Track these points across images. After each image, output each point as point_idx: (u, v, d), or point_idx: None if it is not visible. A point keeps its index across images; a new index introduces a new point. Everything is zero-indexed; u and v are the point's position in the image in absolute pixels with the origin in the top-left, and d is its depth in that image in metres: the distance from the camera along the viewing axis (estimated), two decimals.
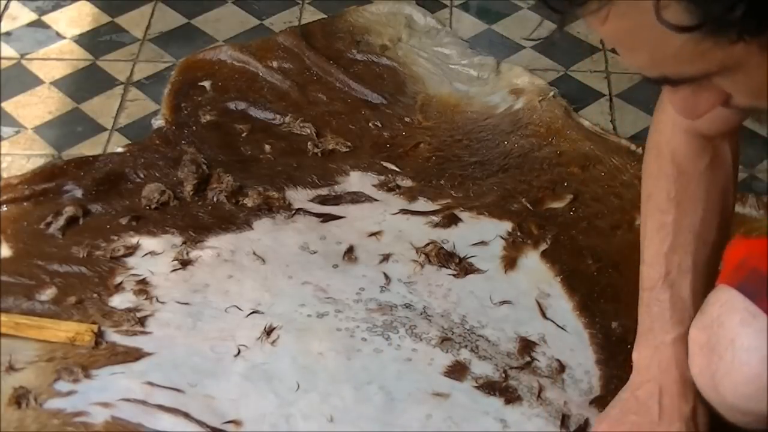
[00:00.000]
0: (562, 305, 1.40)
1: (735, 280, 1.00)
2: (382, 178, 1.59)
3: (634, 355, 1.16)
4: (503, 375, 1.31)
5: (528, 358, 1.33)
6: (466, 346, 1.34)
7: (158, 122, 1.69)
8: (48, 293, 1.41)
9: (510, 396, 1.28)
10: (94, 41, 1.88)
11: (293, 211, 1.54)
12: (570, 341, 1.36)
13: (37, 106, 1.74)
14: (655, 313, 1.12)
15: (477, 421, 1.26)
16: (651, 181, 1.14)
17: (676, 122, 1.10)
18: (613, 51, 1.83)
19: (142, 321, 1.37)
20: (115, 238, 1.49)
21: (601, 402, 1.26)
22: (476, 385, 1.30)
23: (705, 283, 1.10)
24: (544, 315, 1.39)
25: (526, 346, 1.34)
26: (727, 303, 1.00)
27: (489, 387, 1.29)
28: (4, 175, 1.60)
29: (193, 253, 1.47)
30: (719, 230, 1.11)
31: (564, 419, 1.26)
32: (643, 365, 1.14)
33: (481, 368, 1.31)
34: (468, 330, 1.36)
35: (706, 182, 1.11)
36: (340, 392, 1.29)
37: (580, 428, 1.25)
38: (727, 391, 1.01)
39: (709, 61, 0.68)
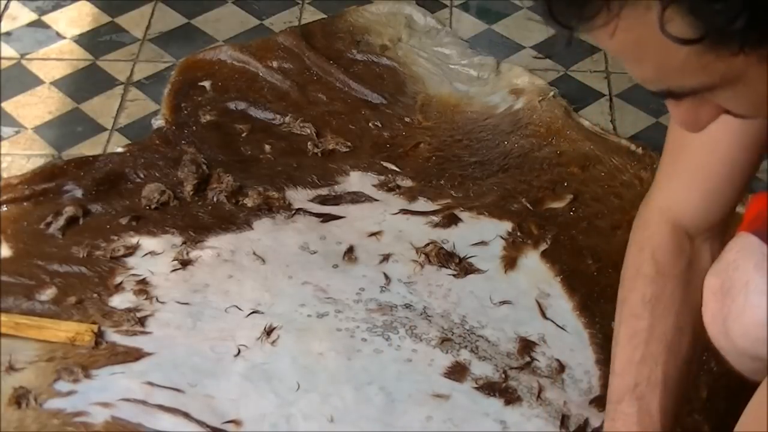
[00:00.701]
0: (562, 305, 1.40)
1: (753, 227, 1.01)
2: (382, 178, 1.59)
3: None
4: (503, 375, 1.31)
5: (528, 359, 1.33)
6: (466, 347, 1.34)
7: (158, 122, 1.69)
8: (48, 293, 1.41)
9: (510, 397, 1.28)
10: (94, 41, 1.88)
11: (293, 211, 1.54)
12: (570, 341, 1.36)
13: (37, 106, 1.74)
14: (619, 427, 1.07)
15: (477, 423, 1.26)
16: (628, 283, 1.12)
17: (662, 213, 1.10)
18: None
19: (142, 321, 1.37)
20: (115, 238, 1.49)
21: (600, 402, 1.26)
22: (476, 386, 1.30)
23: (674, 397, 1.08)
24: (544, 315, 1.39)
25: (526, 346, 1.34)
26: (744, 248, 0.99)
27: (489, 388, 1.29)
28: (4, 175, 1.60)
29: (193, 253, 1.47)
30: (692, 340, 1.09)
31: (564, 419, 1.26)
32: None
33: (481, 369, 1.31)
34: (468, 330, 1.36)
35: (683, 286, 1.09)
36: (340, 392, 1.29)
37: (579, 428, 1.25)
38: (738, 335, 1.00)
39: (711, 74, 0.70)
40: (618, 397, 1.08)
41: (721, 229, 1.10)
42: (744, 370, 1.04)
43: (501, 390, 1.29)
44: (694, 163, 1.06)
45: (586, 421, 1.26)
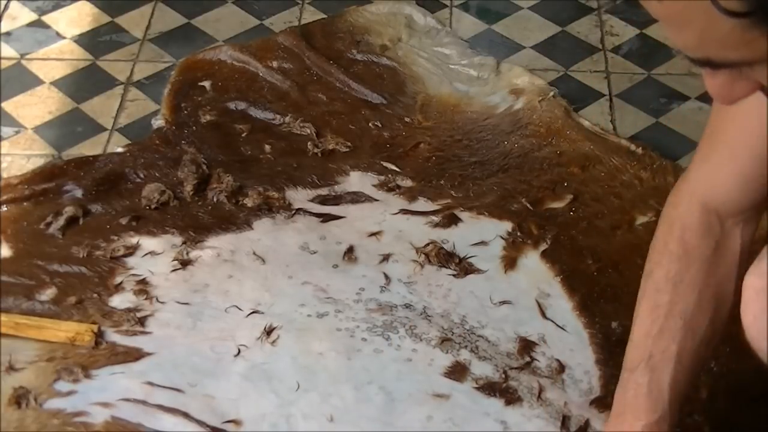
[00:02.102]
0: (562, 305, 1.40)
1: None
2: (382, 178, 1.59)
3: None
4: (503, 375, 1.31)
5: (528, 359, 1.33)
6: (466, 347, 1.34)
7: (158, 122, 1.69)
8: (48, 293, 1.41)
9: (510, 397, 1.28)
10: (94, 41, 1.88)
11: (293, 211, 1.54)
12: (570, 341, 1.36)
13: (37, 106, 1.74)
14: (630, 397, 1.09)
15: (478, 423, 1.26)
16: (655, 256, 1.13)
17: (694, 193, 1.10)
18: (613, 51, 1.84)
19: (142, 321, 1.37)
20: (115, 238, 1.49)
21: (601, 402, 1.27)
22: (476, 386, 1.30)
23: (686, 374, 1.09)
24: (543, 315, 1.39)
25: (526, 346, 1.34)
26: None
27: (489, 388, 1.29)
28: (4, 175, 1.60)
29: (193, 253, 1.47)
30: (711, 323, 1.09)
31: (564, 420, 1.26)
32: None
33: (481, 369, 1.31)
34: (468, 330, 1.36)
35: (708, 267, 1.09)
36: (340, 392, 1.29)
37: (580, 429, 1.25)
38: None
39: (753, 49, 0.70)
40: (632, 365, 1.10)
41: (754, 215, 1.10)
42: None
43: (501, 390, 1.29)
44: (729, 145, 1.06)
45: (587, 422, 1.26)
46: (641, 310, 1.12)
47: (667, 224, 1.12)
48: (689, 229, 1.10)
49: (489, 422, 1.26)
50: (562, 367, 1.32)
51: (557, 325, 1.37)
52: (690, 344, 1.08)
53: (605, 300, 1.40)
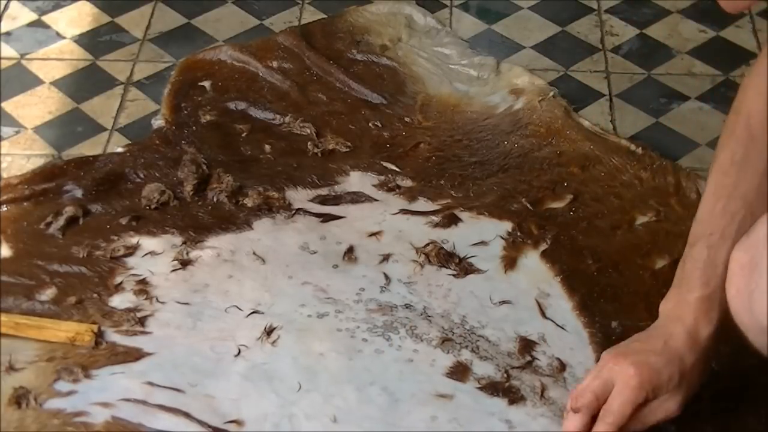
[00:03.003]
0: (562, 305, 1.40)
1: None
2: (382, 178, 1.59)
3: (662, 306, 1.20)
4: (505, 375, 1.31)
5: (529, 358, 1.33)
6: (466, 347, 1.34)
7: (158, 122, 1.69)
8: (48, 293, 1.41)
9: (513, 396, 1.28)
10: (94, 41, 1.88)
11: (293, 211, 1.54)
12: (570, 340, 1.36)
13: (37, 106, 1.74)
14: (687, 269, 1.16)
15: (483, 422, 1.26)
16: (722, 140, 1.18)
17: (760, 84, 1.14)
18: (613, 51, 1.84)
19: (142, 321, 1.37)
20: (115, 238, 1.49)
21: None
22: (479, 386, 1.30)
23: None
24: (543, 315, 1.39)
25: (527, 345, 1.34)
26: None
27: (492, 388, 1.29)
28: (4, 175, 1.60)
29: (193, 253, 1.47)
30: None
31: None
32: (664, 315, 1.19)
33: (483, 369, 1.31)
34: (468, 330, 1.36)
35: None
36: (342, 393, 1.29)
37: None
38: (762, 311, 1.02)
39: None
40: (693, 240, 1.16)
41: None
42: (763, 348, 1.08)
43: (504, 390, 1.29)
44: None
45: None
46: (707, 189, 1.18)
47: (735, 110, 1.17)
48: (755, 115, 1.14)
49: (494, 422, 1.26)
50: (563, 366, 1.32)
51: (557, 325, 1.38)
52: (748, 226, 1.11)
53: (605, 300, 1.40)
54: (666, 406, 1.16)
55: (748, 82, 1.17)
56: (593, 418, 1.16)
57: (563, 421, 1.19)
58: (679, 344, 1.15)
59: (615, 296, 1.41)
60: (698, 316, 1.15)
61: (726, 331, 1.17)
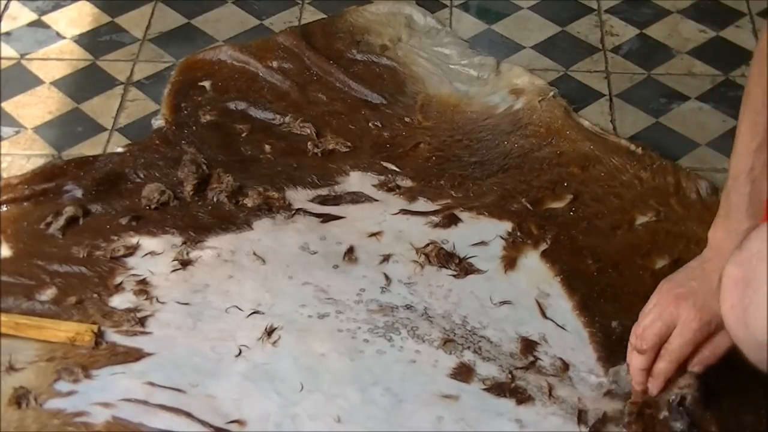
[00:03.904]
0: (562, 305, 1.40)
1: None
2: (382, 178, 1.59)
3: (710, 234, 1.27)
4: (509, 376, 1.31)
5: (531, 358, 1.33)
6: (468, 348, 1.34)
7: (158, 122, 1.69)
8: (48, 293, 1.41)
9: (521, 396, 1.28)
10: (94, 41, 1.88)
11: (293, 211, 1.54)
12: (570, 340, 1.36)
13: (37, 106, 1.74)
14: (734, 202, 1.23)
15: (492, 423, 1.26)
16: (752, 80, 1.24)
17: None
18: (613, 51, 1.84)
19: (142, 321, 1.37)
20: (115, 238, 1.49)
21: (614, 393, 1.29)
22: (485, 387, 1.29)
23: None
24: (544, 315, 1.39)
25: (528, 345, 1.34)
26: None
27: (498, 388, 1.29)
28: (4, 175, 1.60)
29: (193, 254, 1.47)
30: None
31: (581, 414, 1.26)
32: (716, 244, 1.25)
33: (487, 370, 1.31)
34: (469, 331, 1.36)
35: None
36: (345, 393, 1.29)
37: (599, 422, 1.25)
38: (757, 326, 1.02)
39: None
40: (735, 173, 1.24)
41: None
42: (759, 362, 1.07)
43: (511, 390, 1.29)
44: None
45: (605, 415, 1.26)
46: (741, 126, 1.25)
47: (760, 53, 1.23)
48: None
49: (503, 422, 1.26)
50: (566, 366, 1.32)
51: (557, 325, 1.38)
52: None
53: (605, 300, 1.40)
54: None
55: None
56: (656, 354, 1.25)
57: (629, 356, 1.28)
58: None
59: (615, 296, 1.41)
60: None
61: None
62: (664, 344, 1.24)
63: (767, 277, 1.00)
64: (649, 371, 1.26)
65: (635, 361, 1.26)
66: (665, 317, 1.24)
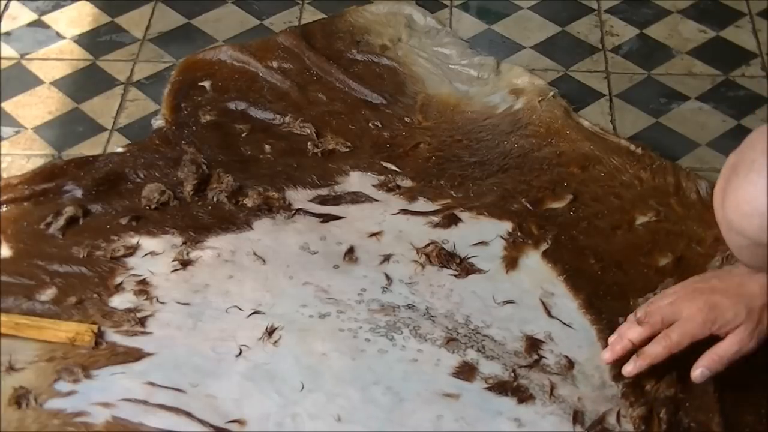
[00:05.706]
0: (567, 304, 1.40)
1: None
2: (382, 178, 1.59)
3: None
4: (512, 374, 1.30)
5: (536, 356, 1.33)
6: (472, 346, 1.34)
7: (158, 122, 1.68)
8: (48, 293, 1.41)
9: (522, 395, 1.28)
10: (94, 41, 1.87)
11: (293, 212, 1.53)
12: (577, 338, 1.35)
13: (37, 106, 1.74)
14: None
15: (491, 421, 1.26)
16: None
17: None
18: (613, 51, 1.84)
19: (142, 321, 1.37)
20: (115, 238, 1.49)
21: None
22: (487, 385, 1.29)
23: None
24: (549, 314, 1.39)
25: (533, 344, 1.34)
26: (766, 132, 1.08)
27: (500, 387, 1.29)
28: (4, 175, 1.60)
29: (194, 254, 1.46)
30: None
31: (576, 415, 1.26)
32: None
33: (490, 368, 1.31)
34: (473, 330, 1.36)
35: None
36: (346, 392, 1.28)
37: (595, 422, 1.25)
38: (730, 207, 1.09)
39: None
40: None
41: None
42: (732, 246, 1.15)
43: (513, 389, 1.29)
44: None
45: (602, 416, 1.26)
46: None
47: None
48: None
49: (502, 421, 1.26)
50: (571, 364, 1.32)
51: (563, 323, 1.37)
52: None
53: (612, 297, 1.40)
54: (737, 339, 1.23)
55: None
56: (650, 337, 1.26)
57: (623, 326, 1.29)
58: (755, 289, 1.22)
59: (622, 294, 1.40)
60: None
61: None
62: (664, 330, 1.25)
63: (749, 163, 1.06)
64: (636, 348, 1.27)
65: (630, 331, 1.27)
66: (676, 304, 1.26)
